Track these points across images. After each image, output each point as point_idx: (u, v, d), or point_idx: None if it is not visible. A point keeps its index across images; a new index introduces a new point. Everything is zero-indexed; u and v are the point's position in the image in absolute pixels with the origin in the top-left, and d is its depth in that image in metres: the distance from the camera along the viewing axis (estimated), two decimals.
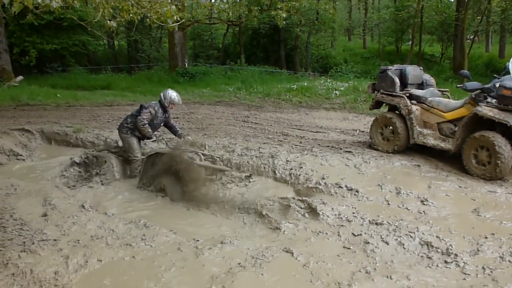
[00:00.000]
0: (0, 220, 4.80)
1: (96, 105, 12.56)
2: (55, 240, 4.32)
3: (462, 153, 5.98)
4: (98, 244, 4.28)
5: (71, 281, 3.62)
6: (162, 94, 6.74)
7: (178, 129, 7.10)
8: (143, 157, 6.51)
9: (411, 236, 4.20)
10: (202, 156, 6.05)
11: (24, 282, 3.57)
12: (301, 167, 6.15)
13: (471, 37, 25.94)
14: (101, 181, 6.34)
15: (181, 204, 5.68)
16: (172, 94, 6.73)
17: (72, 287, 3.53)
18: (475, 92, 6.06)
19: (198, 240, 4.41)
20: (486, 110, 5.73)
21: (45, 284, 3.55)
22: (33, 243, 4.21)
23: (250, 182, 5.96)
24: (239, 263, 3.84)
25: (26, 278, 3.62)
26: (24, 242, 4.25)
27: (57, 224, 4.74)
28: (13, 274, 3.68)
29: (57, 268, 3.78)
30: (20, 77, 16.92)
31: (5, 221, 4.76)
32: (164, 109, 6.74)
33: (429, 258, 3.85)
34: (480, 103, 5.89)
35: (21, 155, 8.03)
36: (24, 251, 4.04)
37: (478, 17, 23.39)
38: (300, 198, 5.23)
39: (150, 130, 6.51)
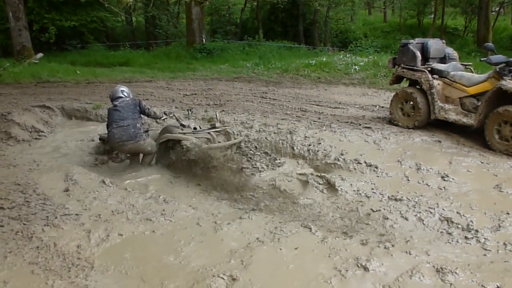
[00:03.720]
0: (24, 195, 4.90)
1: (115, 82, 12.58)
2: (77, 214, 4.40)
3: (484, 128, 5.86)
4: (119, 219, 4.34)
5: (93, 254, 3.70)
6: (130, 93, 6.45)
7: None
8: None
9: (431, 212, 4.17)
10: (214, 136, 5.94)
11: (48, 255, 3.66)
12: (320, 143, 6.12)
13: (497, 9, 25.17)
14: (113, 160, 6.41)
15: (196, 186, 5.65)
16: None
17: (94, 261, 3.60)
18: (499, 66, 5.89)
19: (216, 216, 4.45)
20: (511, 84, 5.58)
21: (68, 257, 3.63)
22: (56, 218, 4.30)
23: None
24: (257, 238, 3.86)
25: (50, 251, 3.71)
26: (47, 216, 4.34)
27: (78, 199, 4.82)
28: (38, 247, 3.77)
29: (79, 242, 3.86)
30: (40, 54, 17.04)
31: (29, 196, 4.86)
32: None
33: (449, 234, 3.82)
34: (504, 77, 5.73)
35: (42, 132, 8.15)
36: (48, 225, 4.13)
37: None
38: (319, 174, 5.21)
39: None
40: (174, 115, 6.60)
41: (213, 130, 6.08)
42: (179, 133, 6.02)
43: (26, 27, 16.98)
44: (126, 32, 28.47)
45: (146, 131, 6.19)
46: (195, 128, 6.24)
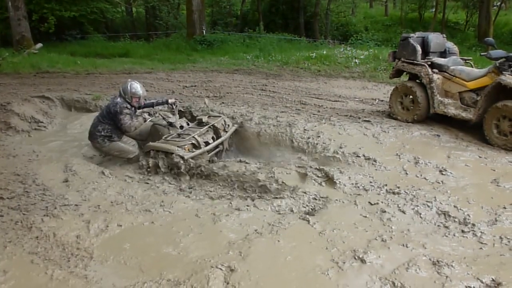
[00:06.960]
0: (24, 185, 4.93)
1: (115, 73, 12.58)
2: (76, 205, 4.43)
3: (483, 123, 5.87)
4: (118, 210, 4.37)
5: (92, 244, 3.73)
6: (121, 88, 6.11)
7: (154, 100, 6.70)
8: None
9: (428, 206, 4.19)
10: (199, 140, 5.85)
11: (48, 245, 3.68)
12: (319, 136, 6.13)
13: (498, 3, 25.06)
14: None
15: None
16: (133, 85, 6.06)
17: (94, 251, 3.63)
18: (499, 61, 5.88)
19: (215, 207, 4.48)
20: (510, 79, 5.58)
21: (68, 247, 3.66)
22: (55, 208, 4.32)
23: None
24: (255, 230, 3.89)
25: (50, 241, 3.74)
26: (47, 206, 4.37)
27: (78, 189, 4.85)
28: (37, 237, 3.80)
29: (79, 232, 3.89)
30: (39, 44, 17.00)
31: (28, 186, 4.88)
32: (130, 103, 6.13)
33: (446, 227, 3.84)
34: (504, 72, 5.73)
35: (42, 122, 8.16)
36: (47, 215, 4.16)
37: None
38: (317, 167, 5.23)
39: (137, 121, 6.19)
40: (160, 114, 6.52)
41: (198, 132, 5.98)
42: (162, 140, 5.91)
43: (25, 17, 16.92)
44: (126, 23, 28.39)
45: (107, 137, 6.12)
46: (182, 127, 6.21)
